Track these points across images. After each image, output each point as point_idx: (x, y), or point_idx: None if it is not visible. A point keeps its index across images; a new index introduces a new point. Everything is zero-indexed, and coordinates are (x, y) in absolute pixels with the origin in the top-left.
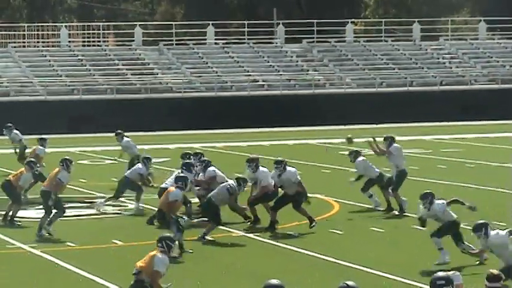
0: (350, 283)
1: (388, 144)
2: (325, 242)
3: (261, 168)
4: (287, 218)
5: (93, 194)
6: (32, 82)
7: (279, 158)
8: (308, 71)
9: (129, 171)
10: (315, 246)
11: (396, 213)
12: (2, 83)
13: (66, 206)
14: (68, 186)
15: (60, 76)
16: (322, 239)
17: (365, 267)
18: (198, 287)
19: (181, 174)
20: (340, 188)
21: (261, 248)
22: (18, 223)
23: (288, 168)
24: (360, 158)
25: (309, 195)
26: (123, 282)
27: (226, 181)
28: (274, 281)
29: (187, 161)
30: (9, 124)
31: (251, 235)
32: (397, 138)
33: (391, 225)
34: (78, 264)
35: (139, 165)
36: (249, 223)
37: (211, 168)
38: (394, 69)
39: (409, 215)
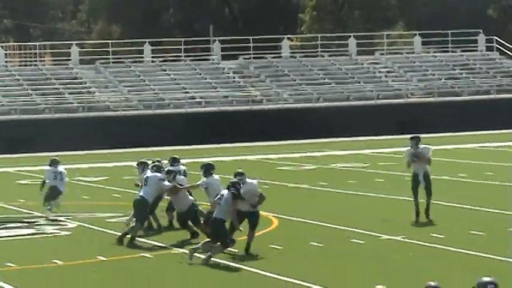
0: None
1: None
2: (264, 256)
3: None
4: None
5: (31, 213)
6: None
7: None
8: (245, 87)
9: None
10: (255, 261)
11: None
12: None
13: (4, 226)
14: (6, 206)
15: None
16: (262, 253)
17: (304, 282)
18: None
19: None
20: (278, 203)
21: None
22: None
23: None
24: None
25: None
26: None
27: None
28: None
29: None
30: None
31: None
32: (336, 152)
33: (329, 239)
34: (18, 285)
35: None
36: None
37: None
38: (330, 84)
39: (345, 228)
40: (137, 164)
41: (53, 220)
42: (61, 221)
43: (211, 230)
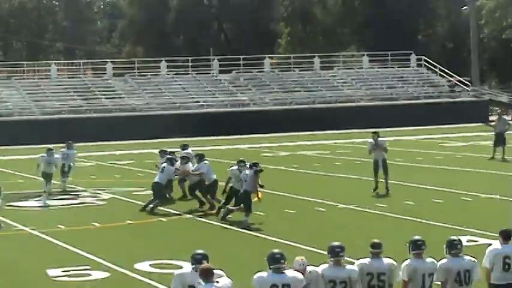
0: (277, 250)
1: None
2: (251, 220)
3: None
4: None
5: (75, 188)
6: (30, 105)
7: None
8: (237, 94)
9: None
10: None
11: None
12: (8, 106)
13: (55, 198)
14: (56, 182)
15: (51, 101)
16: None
17: (279, 239)
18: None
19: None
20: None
21: (201, 225)
22: None
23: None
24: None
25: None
26: (103, 255)
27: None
28: (199, 250)
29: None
30: None
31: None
32: (305, 142)
33: (300, 208)
34: (66, 241)
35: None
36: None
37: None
38: (300, 91)
39: (314, 200)
40: (159, 152)
41: (92, 192)
42: (99, 193)
43: (240, 198)
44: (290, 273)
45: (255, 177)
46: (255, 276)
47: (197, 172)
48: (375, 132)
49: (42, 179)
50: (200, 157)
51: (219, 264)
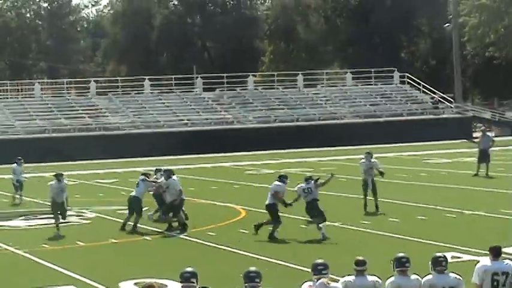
0: (253, 269)
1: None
2: (235, 238)
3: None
4: (207, 221)
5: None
6: (14, 125)
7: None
8: (221, 112)
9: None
10: (229, 242)
11: None
12: None
13: (40, 217)
14: (41, 201)
15: (35, 120)
16: (234, 236)
17: (264, 257)
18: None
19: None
20: (246, 199)
21: (185, 243)
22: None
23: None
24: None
25: (221, 204)
26: (88, 274)
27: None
28: (188, 269)
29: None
30: None
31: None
32: (289, 160)
33: (284, 225)
34: (51, 260)
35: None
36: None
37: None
38: (284, 109)
39: (297, 217)
40: (155, 170)
41: (76, 211)
42: (83, 212)
43: (314, 209)
44: None
45: (316, 186)
46: None
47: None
48: (368, 153)
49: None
50: (168, 174)
51: (204, 281)
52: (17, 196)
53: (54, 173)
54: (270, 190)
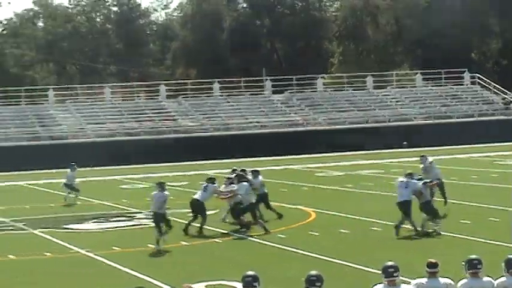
0: (314, 273)
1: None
2: (305, 240)
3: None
4: (277, 224)
5: (130, 210)
6: (84, 128)
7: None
8: (290, 114)
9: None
10: (299, 244)
11: None
12: (63, 129)
13: (111, 219)
14: (112, 204)
15: (105, 123)
16: (304, 238)
17: (334, 259)
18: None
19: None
20: (315, 201)
21: (256, 245)
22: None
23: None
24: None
25: (291, 206)
26: (159, 276)
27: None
28: (250, 272)
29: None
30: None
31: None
32: (359, 162)
33: (355, 228)
34: (121, 263)
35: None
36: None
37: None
38: (354, 110)
39: (370, 220)
40: (232, 170)
41: (147, 214)
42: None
43: (428, 209)
44: None
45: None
46: None
47: (230, 194)
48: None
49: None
50: (239, 177)
51: (274, 284)
52: (72, 196)
53: (156, 182)
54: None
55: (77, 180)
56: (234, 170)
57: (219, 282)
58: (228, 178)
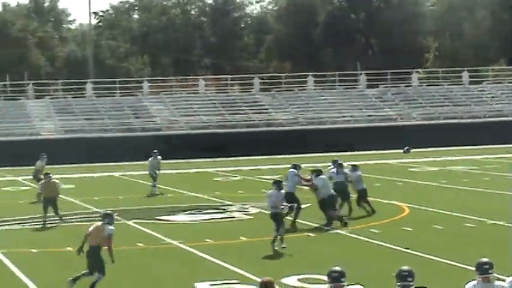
0: (405, 268)
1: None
2: (398, 235)
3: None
4: (368, 219)
5: (223, 202)
6: (178, 120)
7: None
8: (384, 108)
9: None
10: (392, 239)
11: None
12: (156, 121)
13: (205, 212)
14: (206, 197)
15: (199, 115)
16: (398, 234)
17: (428, 255)
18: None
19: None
20: (409, 196)
21: (348, 240)
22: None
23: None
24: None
25: (385, 201)
26: (251, 269)
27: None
28: (337, 268)
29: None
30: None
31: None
32: (453, 158)
33: (449, 224)
34: (215, 255)
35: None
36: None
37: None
38: (449, 106)
39: (464, 216)
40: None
41: (240, 207)
42: (246, 207)
43: None
44: None
45: None
46: None
47: (308, 184)
48: None
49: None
50: (317, 173)
51: (365, 278)
52: (155, 187)
53: (273, 181)
54: None
55: (169, 171)
56: (334, 162)
57: (311, 275)
58: (312, 171)
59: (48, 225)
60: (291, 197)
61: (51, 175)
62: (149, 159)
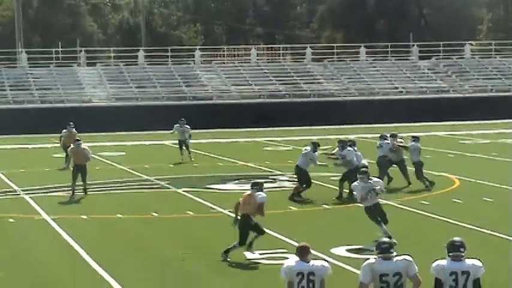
0: (457, 238)
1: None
2: (448, 207)
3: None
4: (421, 190)
5: (273, 172)
6: (229, 89)
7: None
8: (436, 80)
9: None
10: (441, 211)
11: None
12: (207, 90)
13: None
14: (255, 166)
15: (251, 85)
16: (447, 206)
17: (477, 227)
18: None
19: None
20: (460, 168)
21: (398, 211)
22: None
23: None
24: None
25: (435, 173)
26: (300, 239)
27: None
28: (386, 239)
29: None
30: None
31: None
32: (506, 131)
33: (499, 197)
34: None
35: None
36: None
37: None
38: (501, 78)
39: (510, 188)
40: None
41: (289, 176)
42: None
43: None
44: (469, 261)
45: None
46: (434, 263)
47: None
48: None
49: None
50: (343, 144)
51: (414, 249)
52: (182, 155)
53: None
54: None
55: (220, 140)
56: (392, 136)
57: (360, 246)
58: (339, 142)
59: (99, 193)
60: (300, 172)
61: (81, 142)
62: (175, 126)
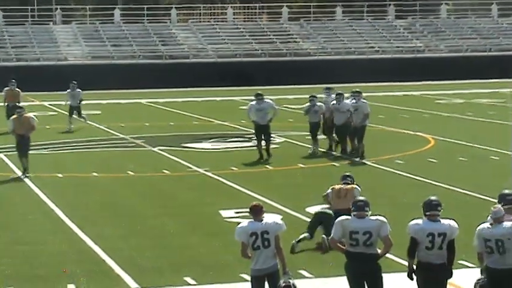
0: (434, 197)
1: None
2: (423, 167)
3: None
4: (396, 150)
5: (249, 131)
6: (205, 48)
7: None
8: (412, 40)
9: None
10: (417, 171)
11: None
12: (183, 49)
13: (230, 140)
14: (232, 125)
15: (227, 44)
16: (423, 165)
17: (452, 187)
18: None
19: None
20: (435, 128)
21: (373, 170)
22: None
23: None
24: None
25: (411, 132)
26: (275, 197)
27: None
28: (361, 197)
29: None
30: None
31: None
32: (480, 90)
33: (472, 156)
34: (239, 183)
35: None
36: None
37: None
38: (476, 39)
39: (488, 148)
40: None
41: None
42: (272, 137)
43: None
44: (446, 222)
45: None
46: (411, 223)
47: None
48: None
49: None
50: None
51: (390, 208)
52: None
53: (255, 94)
54: None
55: (196, 99)
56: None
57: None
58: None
59: (74, 151)
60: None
61: (23, 109)
62: (67, 90)
